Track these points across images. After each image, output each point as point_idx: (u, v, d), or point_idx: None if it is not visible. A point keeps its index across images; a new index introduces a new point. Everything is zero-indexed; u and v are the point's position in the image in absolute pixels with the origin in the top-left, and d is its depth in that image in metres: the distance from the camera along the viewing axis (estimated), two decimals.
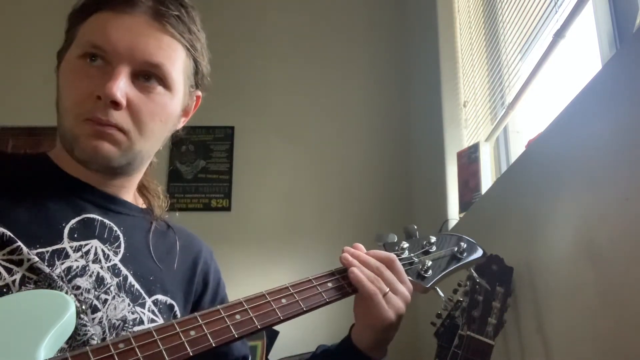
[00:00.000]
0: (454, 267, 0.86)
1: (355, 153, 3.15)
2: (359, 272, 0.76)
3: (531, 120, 1.90)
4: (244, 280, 2.57)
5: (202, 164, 3.19)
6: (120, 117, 0.72)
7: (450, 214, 2.21)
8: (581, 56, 1.46)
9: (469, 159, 2.04)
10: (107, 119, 0.72)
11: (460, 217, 2.10)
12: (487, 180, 1.95)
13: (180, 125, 0.86)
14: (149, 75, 0.75)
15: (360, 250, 0.81)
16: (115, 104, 0.71)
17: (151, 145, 0.80)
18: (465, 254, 0.87)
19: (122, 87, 0.71)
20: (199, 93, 0.87)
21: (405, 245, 0.85)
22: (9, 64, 3.26)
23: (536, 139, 1.44)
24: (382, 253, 0.80)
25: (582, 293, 1.06)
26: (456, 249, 0.88)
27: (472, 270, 0.92)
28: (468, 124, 2.31)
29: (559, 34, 1.40)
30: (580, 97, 1.14)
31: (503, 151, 2.02)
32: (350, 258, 0.78)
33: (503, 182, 1.66)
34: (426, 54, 2.76)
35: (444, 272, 0.85)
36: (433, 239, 0.87)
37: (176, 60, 0.77)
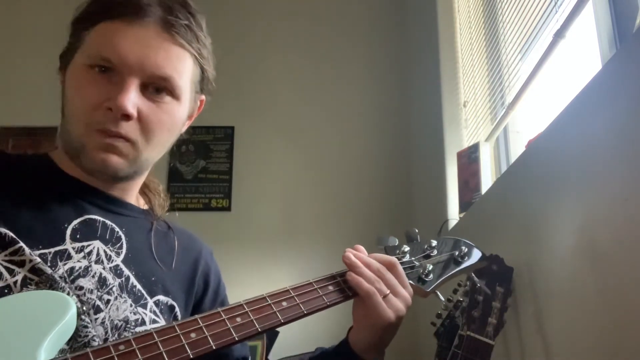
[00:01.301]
0: (455, 271, 0.86)
1: (355, 153, 3.15)
2: (356, 274, 0.76)
3: (531, 120, 1.90)
4: (244, 281, 2.57)
5: (202, 164, 3.19)
6: (129, 127, 0.73)
7: (450, 214, 2.21)
8: (581, 56, 1.46)
9: (469, 159, 2.03)
10: (117, 130, 0.73)
11: (460, 217, 2.10)
12: (487, 180, 1.95)
13: (184, 129, 0.88)
14: (158, 86, 0.75)
15: (362, 252, 0.81)
16: (127, 116, 0.72)
17: (157, 153, 0.81)
18: (465, 258, 0.87)
19: (132, 99, 0.72)
20: (203, 97, 0.88)
21: (407, 249, 0.85)
22: (9, 65, 3.26)
23: (536, 139, 1.44)
24: (384, 256, 0.80)
25: (582, 293, 1.06)
26: (457, 253, 0.88)
27: (473, 274, 0.91)
28: (468, 124, 2.31)
29: (559, 34, 1.40)
30: (580, 97, 1.14)
31: (503, 151, 2.02)
32: (353, 258, 0.78)
33: (503, 182, 1.66)
34: (426, 54, 2.76)
35: (445, 277, 0.85)
36: (434, 243, 0.87)
37: (184, 70, 0.78)
